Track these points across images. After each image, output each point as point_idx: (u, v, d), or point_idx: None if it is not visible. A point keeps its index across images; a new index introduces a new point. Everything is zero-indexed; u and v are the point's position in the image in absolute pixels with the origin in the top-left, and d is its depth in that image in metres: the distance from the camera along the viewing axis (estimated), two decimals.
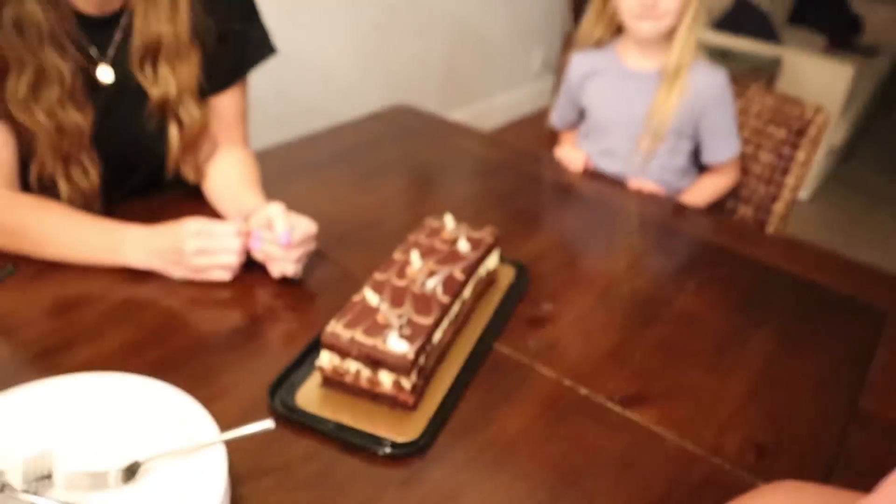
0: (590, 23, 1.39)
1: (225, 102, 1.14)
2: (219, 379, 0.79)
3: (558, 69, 3.78)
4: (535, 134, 3.58)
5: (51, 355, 0.81)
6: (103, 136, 1.02)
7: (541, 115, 3.85)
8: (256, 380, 0.78)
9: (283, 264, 0.93)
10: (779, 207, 1.46)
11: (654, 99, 1.33)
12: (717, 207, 1.52)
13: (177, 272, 0.94)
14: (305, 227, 0.94)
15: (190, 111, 1.06)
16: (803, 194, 3.23)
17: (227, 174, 1.11)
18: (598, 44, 1.41)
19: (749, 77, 2.92)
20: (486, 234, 0.94)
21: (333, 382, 0.76)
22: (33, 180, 1.00)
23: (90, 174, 1.01)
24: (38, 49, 0.92)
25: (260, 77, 1.24)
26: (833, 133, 3.10)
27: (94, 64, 1.01)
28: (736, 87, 1.51)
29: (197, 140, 1.10)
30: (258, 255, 0.95)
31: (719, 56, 3.07)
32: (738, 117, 1.42)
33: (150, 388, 0.71)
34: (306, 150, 1.39)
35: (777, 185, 1.46)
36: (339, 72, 2.66)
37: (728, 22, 3.42)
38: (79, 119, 0.97)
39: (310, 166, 1.32)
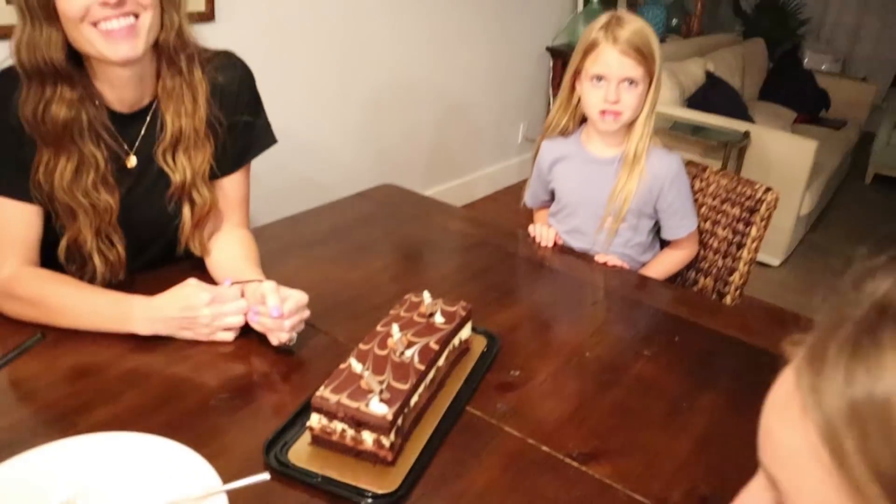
0: (557, 114, 1.54)
1: (230, 185, 1.28)
2: (220, 437, 0.89)
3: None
4: (519, 202, 3.73)
5: (69, 416, 0.91)
6: (127, 215, 1.16)
7: (524, 184, 4.02)
8: (254, 438, 0.88)
9: (279, 333, 1.04)
10: (735, 278, 1.58)
11: (616, 183, 1.46)
12: (679, 278, 1.64)
13: (185, 334, 1.05)
14: (297, 298, 1.05)
15: (202, 193, 1.20)
16: (774, 261, 3.37)
17: (229, 251, 1.24)
18: (565, 132, 1.55)
19: (719, 150, 3.10)
20: (459, 308, 1.06)
21: (322, 440, 0.86)
22: (61, 253, 1.13)
23: (117, 248, 1.16)
24: (80, 142, 1.08)
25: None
26: (801, 203, 3.25)
27: (123, 152, 1.16)
28: (695, 169, 1.65)
29: (206, 218, 1.23)
30: (256, 326, 1.06)
31: (692, 131, 3.26)
32: (693, 197, 1.55)
33: (160, 445, 0.81)
34: (299, 228, 1.51)
35: (733, 257, 1.58)
36: (333, 147, 2.81)
37: (700, 98, 3.61)
38: (110, 199, 1.12)
39: (303, 244, 1.44)
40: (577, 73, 1.48)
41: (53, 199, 1.10)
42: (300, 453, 0.86)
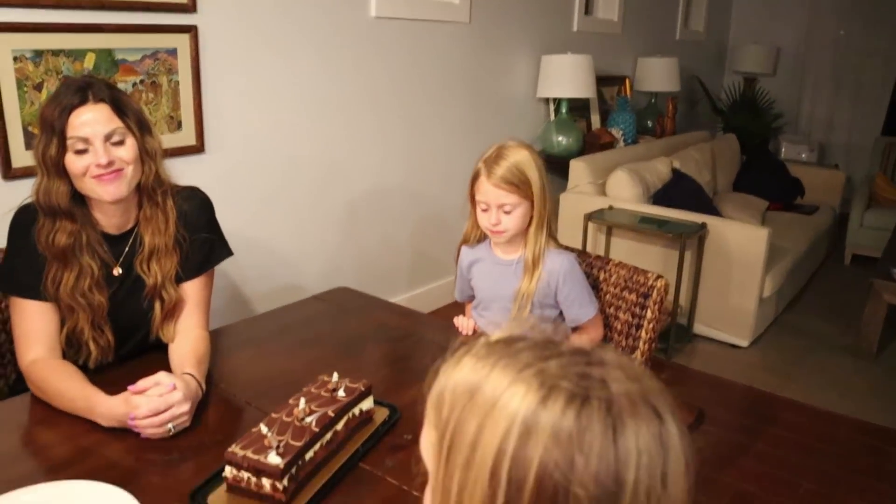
0: (469, 227, 1.84)
1: (192, 290, 1.61)
2: (155, 489, 1.15)
3: None
4: None
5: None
6: (114, 312, 1.52)
7: None
8: (186, 489, 1.13)
9: (154, 430, 1.27)
10: (637, 356, 1.82)
11: (519, 285, 1.73)
12: None
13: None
14: (168, 395, 1.28)
15: (169, 292, 1.55)
16: (742, 342, 3.57)
17: (180, 348, 1.53)
18: (479, 239, 1.84)
19: (679, 241, 3.36)
20: (360, 385, 1.32)
21: (233, 488, 1.12)
22: (62, 340, 1.49)
23: (108, 336, 1.51)
24: (80, 256, 1.46)
25: (246, 261, 1.70)
26: (761, 286, 3.47)
27: (111, 263, 1.53)
28: (599, 262, 1.92)
29: (172, 312, 1.57)
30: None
31: (659, 225, 3.54)
32: (591, 287, 1.81)
33: (101, 490, 1.08)
34: (257, 327, 1.81)
35: (634, 338, 1.83)
36: (314, 255, 3.13)
37: (663, 194, 3.91)
38: (102, 299, 1.49)
39: (256, 340, 1.72)
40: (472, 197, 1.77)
41: (59, 300, 1.46)
42: (218, 499, 1.11)
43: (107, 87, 1.45)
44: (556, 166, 4.22)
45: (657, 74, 5.12)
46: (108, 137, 1.41)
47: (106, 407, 1.31)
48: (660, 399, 0.56)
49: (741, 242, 3.46)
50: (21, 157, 2.16)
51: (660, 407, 0.55)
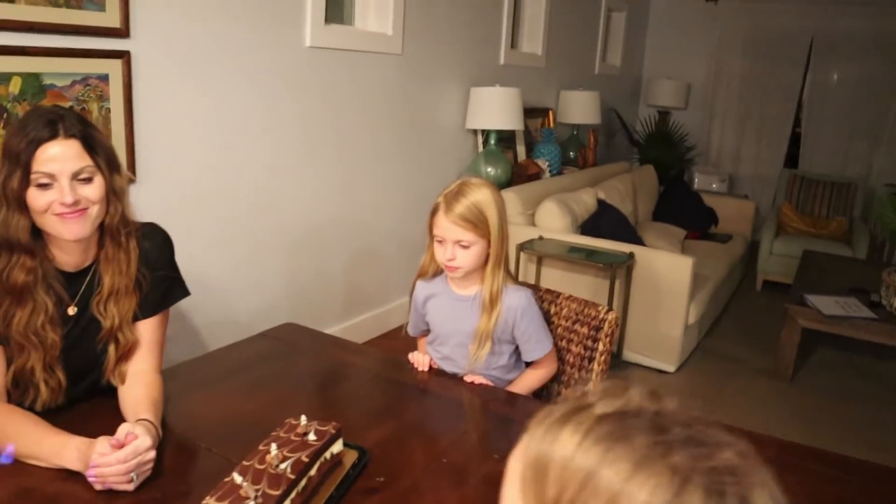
0: (427, 260, 1.83)
1: (146, 329, 1.53)
2: None
3: None
4: None
5: None
6: (66, 353, 1.43)
7: None
8: None
9: (117, 478, 1.19)
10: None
11: (478, 322, 1.73)
12: (545, 392, 1.89)
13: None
14: (136, 444, 1.21)
15: (125, 335, 1.48)
16: (670, 368, 3.68)
17: (133, 391, 1.45)
18: (435, 273, 1.84)
19: (609, 270, 3.45)
20: (330, 427, 1.28)
21: None
22: (8, 381, 1.38)
23: (59, 378, 1.42)
24: (35, 292, 1.37)
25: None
26: (686, 313, 3.59)
27: (66, 302, 1.44)
28: (550, 296, 1.94)
29: (126, 356, 1.49)
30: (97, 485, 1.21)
31: (587, 255, 3.62)
32: (546, 321, 1.83)
33: None
34: (205, 367, 1.74)
35: (587, 370, 1.85)
36: (249, 289, 3.04)
37: (591, 224, 4.01)
38: (55, 338, 1.40)
39: (207, 381, 1.65)
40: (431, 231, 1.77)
41: (8, 338, 1.36)
42: None
43: (79, 122, 1.37)
44: None
45: (579, 107, 5.27)
46: (75, 175, 1.34)
47: (77, 448, 1.23)
48: (772, 483, 0.56)
49: (667, 271, 3.58)
50: None
51: (775, 492, 0.55)
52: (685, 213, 5.23)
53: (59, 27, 2.20)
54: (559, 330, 1.91)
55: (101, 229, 1.44)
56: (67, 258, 1.44)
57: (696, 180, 6.36)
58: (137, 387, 1.46)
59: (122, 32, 2.37)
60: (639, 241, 4.07)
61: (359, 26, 3.54)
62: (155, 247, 1.54)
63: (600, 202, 4.28)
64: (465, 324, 1.76)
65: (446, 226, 1.69)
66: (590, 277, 3.68)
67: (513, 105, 4.14)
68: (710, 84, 6.69)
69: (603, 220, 4.07)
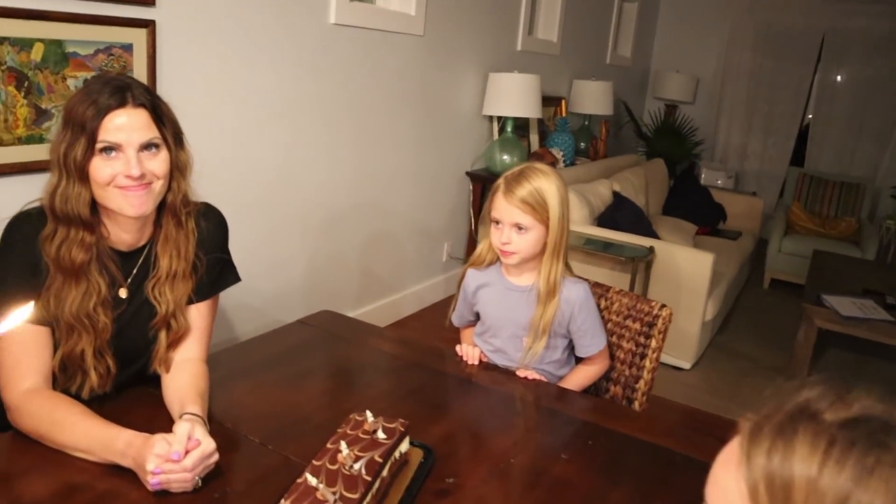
0: (484, 249, 1.74)
1: (197, 315, 1.44)
2: None
3: (465, 260, 4.18)
4: (444, 317, 3.91)
5: None
6: (115, 338, 1.34)
7: (450, 299, 4.20)
8: None
9: (182, 484, 1.10)
10: (641, 385, 1.77)
11: (534, 313, 1.65)
12: (593, 388, 1.82)
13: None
14: (202, 450, 1.12)
15: (179, 320, 1.39)
16: (685, 364, 3.62)
17: (179, 380, 1.35)
18: (489, 262, 1.75)
19: (628, 265, 3.38)
20: (398, 424, 1.20)
21: None
22: (56, 364, 1.28)
23: (109, 363, 1.33)
24: (88, 270, 1.28)
25: None
26: (704, 309, 3.54)
27: (118, 284, 1.35)
28: (600, 290, 1.86)
29: (176, 343, 1.40)
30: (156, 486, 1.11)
31: (604, 247, 3.55)
32: (601, 318, 1.75)
33: None
34: (244, 356, 1.64)
35: (638, 367, 1.78)
36: (264, 274, 2.95)
37: (609, 217, 3.94)
38: (108, 321, 1.31)
39: (247, 370, 1.56)
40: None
41: (58, 319, 1.27)
42: None
43: (148, 93, 1.29)
44: None
45: (592, 97, 5.19)
46: (142, 146, 1.26)
47: (127, 443, 1.13)
48: None
49: (686, 266, 3.52)
50: None
51: None
52: (695, 209, 5.17)
53: None
54: (609, 325, 1.83)
55: (159, 208, 1.36)
56: (121, 236, 1.35)
57: (703, 176, 6.31)
58: (183, 376, 1.36)
59: (149, 1, 2.26)
60: (654, 235, 4.00)
61: (381, 5, 3.43)
62: (211, 228, 1.46)
63: (616, 194, 4.21)
64: (519, 315, 1.68)
65: (504, 207, 1.62)
66: (606, 270, 3.61)
67: (531, 92, 4.05)
68: (719, 79, 6.62)
69: (620, 213, 4.00)
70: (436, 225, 4.03)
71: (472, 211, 4.18)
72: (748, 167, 6.61)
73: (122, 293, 1.36)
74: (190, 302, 1.42)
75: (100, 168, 1.23)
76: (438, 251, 4.12)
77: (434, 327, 3.78)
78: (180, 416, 1.22)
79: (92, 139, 1.22)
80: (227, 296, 2.77)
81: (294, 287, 3.11)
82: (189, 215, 1.39)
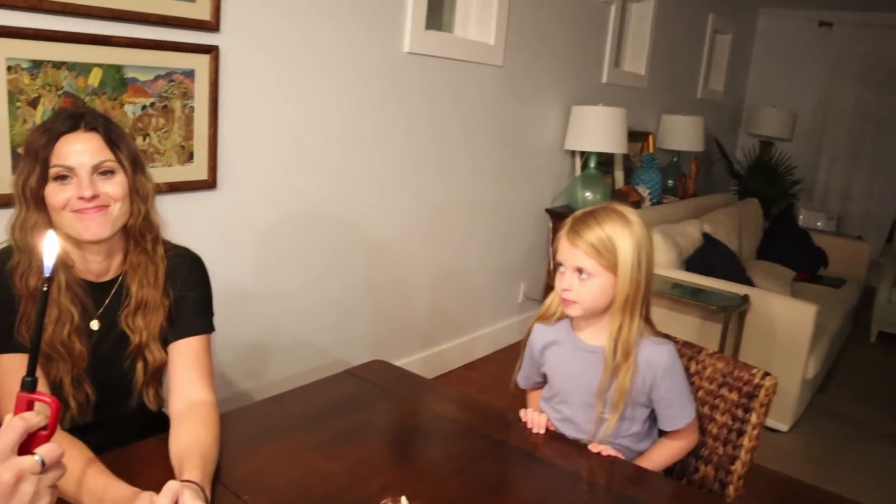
0: (554, 301, 1.53)
1: (191, 350, 1.37)
2: None
3: (542, 301, 3.96)
4: (517, 361, 3.68)
5: None
6: (93, 368, 1.32)
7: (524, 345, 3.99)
8: None
9: None
10: (738, 467, 1.51)
11: (602, 375, 1.43)
12: (678, 466, 1.57)
13: None
14: None
15: (153, 353, 1.36)
16: (783, 426, 3.27)
17: (182, 441, 1.21)
18: (560, 316, 1.54)
19: (719, 314, 3.09)
20: None
21: None
22: None
23: (87, 391, 1.31)
24: (59, 298, 1.27)
25: (249, 315, 1.42)
26: (805, 366, 3.19)
27: (89, 316, 1.33)
28: (689, 351, 1.62)
29: (156, 376, 1.38)
30: None
31: (692, 294, 3.26)
32: (689, 385, 1.50)
33: None
34: (283, 410, 1.47)
35: (734, 445, 1.52)
36: (329, 311, 2.80)
37: (698, 260, 3.64)
38: (83, 349, 1.30)
39: (283, 428, 1.39)
40: None
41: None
42: None
43: (102, 118, 1.31)
44: None
45: (681, 132, 4.91)
46: (95, 169, 1.26)
47: (115, 499, 1.04)
48: None
49: (785, 318, 3.19)
50: (4, 182, 1.83)
51: None
52: (792, 253, 4.78)
53: (145, 17, 2.00)
54: (700, 393, 1.58)
55: (126, 239, 1.36)
56: (89, 266, 1.33)
57: (801, 217, 5.88)
58: (186, 433, 1.23)
59: (212, 26, 2.17)
60: (748, 282, 3.68)
61: (458, 34, 3.29)
62: (184, 265, 1.42)
63: (706, 236, 3.91)
64: (591, 380, 1.45)
65: (567, 249, 1.43)
66: (695, 319, 3.32)
67: (617, 126, 3.82)
68: (819, 114, 6.21)
69: (710, 257, 3.69)
70: (512, 263, 3.82)
71: (550, 250, 3.96)
72: (852, 209, 6.14)
73: (94, 325, 1.34)
74: (167, 339, 1.37)
75: (54, 193, 1.23)
76: (514, 291, 3.91)
77: (507, 372, 3.54)
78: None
79: (45, 165, 1.22)
80: (287, 331, 2.67)
81: (360, 323, 2.96)
82: (155, 241, 1.37)
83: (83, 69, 1.93)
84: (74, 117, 1.26)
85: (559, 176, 4.03)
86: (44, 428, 0.81)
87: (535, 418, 1.48)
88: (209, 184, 2.27)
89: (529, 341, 1.57)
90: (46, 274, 0.82)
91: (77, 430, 1.24)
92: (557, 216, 3.94)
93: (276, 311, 2.58)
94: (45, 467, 0.79)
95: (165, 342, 1.37)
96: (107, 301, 1.36)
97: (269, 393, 2.47)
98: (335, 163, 2.70)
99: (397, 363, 3.03)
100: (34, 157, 1.23)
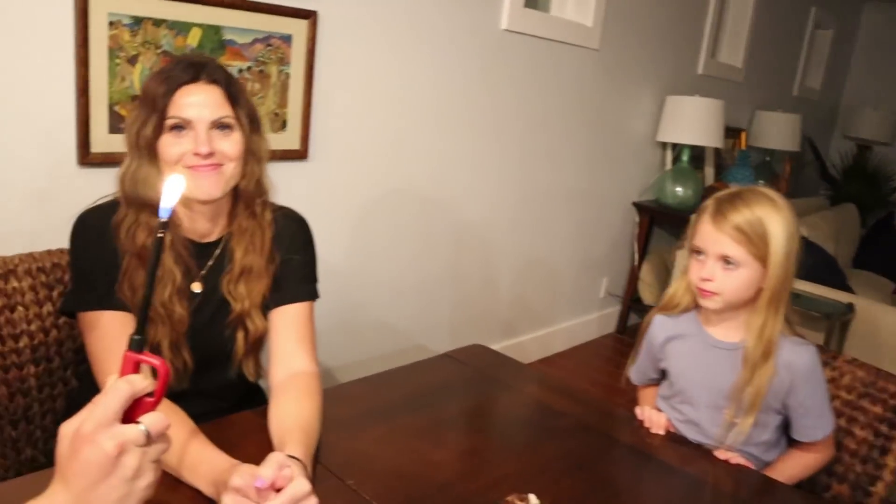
0: (678, 291, 1.39)
1: (296, 317, 1.28)
2: None
3: (624, 298, 3.80)
4: (597, 359, 3.55)
5: None
6: (192, 333, 1.23)
7: (604, 339, 3.84)
8: None
9: None
10: (879, 489, 1.35)
11: (740, 376, 1.29)
12: (809, 482, 1.42)
13: None
14: (294, 490, 0.90)
15: (255, 322, 1.27)
16: None
17: (283, 413, 1.13)
18: (685, 308, 1.40)
19: (820, 322, 2.89)
20: None
21: None
22: None
23: (185, 358, 1.22)
24: (164, 257, 1.18)
25: (332, 291, 1.40)
26: None
27: (191, 278, 1.24)
28: (824, 356, 1.46)
29: (256, 346, 1.29)
30: None
31: (792, 299, 3.06)
32: (828, 393, 1.35)
33: None
34: (382, 391, 1.38)
35: (875, 464, 1.36)
36: (412, 292, 2.71)
37: (800, 264, 3.42)
38: (183, 312, 1.21)
39: (384, 409, 1.29)
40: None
41: (135, 307, 1.15)
42: None
43: (223, 71, 1.22)
44: (668, 219, 3.80)
45: (776, 130, 4.66)
46: (213, 124, 1.17)
47: (212, 467, 0.96)
48: None
49: (892, 333, 2.96)
50: (102, 141, 1.79)
51: None
52: (891, 263, 4.50)
53: None
54: (837, 403, 1.42)
55: (234, 199, 1.27)
56: (193, 225, 1.26)
57: None
58: (288, 403, 1.15)
59: None
60: (849, 290, 3.44)
61: (555, 13, 3.15)
62: (293, 226, 1.34)
63: (805, 240, 3.67)
64: (722, 380, 1.31)
65: (710, 234, 1.28)
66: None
67: (714, 119, 3.63)
68: None
69: (810, 262, 3.46)
70: (595, 256, 3.67)
71: (636, 245, 3.79)
72: None
73: (196, 287, 1.26)
74: (268, 306, 1.28)
75: (169, 145, 1.15)
76: (596, 286, 3.75)
77: (584, 368, 3.42)
78: None
79: (162, 115, 1.15)
80: (369, 311, 2.59)
81: (440, 310, 2.86)
82: (265, 206, 1.29)
83: (182, 28, 1.88)
84: (196, 66, 1.17)
85: (648, 169, 3.86)
86: (150, 394, 0.70)
87: (654, 417, 1.35)
88: (301, 154, 2.20)
89: (649, 334, 1.44)
90: (163, 217, 0.71)
91: (171, 398, 1.14)
92: (645, 210, 3.77)
93: (359, 289, 2.50)
94: (149, 439, 0.69)
95: (266, 308, 1.29)
96: (209, 263, 1.27)
97: (347, 373, 2.42)
98: (426, 141, 2.60)
99: None
100: (151, 106, 1.15)
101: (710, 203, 1.31)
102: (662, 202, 3.73)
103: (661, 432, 1.34)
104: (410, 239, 2.65)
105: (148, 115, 1.15)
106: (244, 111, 1.21)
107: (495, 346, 3.11)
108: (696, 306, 1.38)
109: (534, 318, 3.38)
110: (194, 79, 1.16)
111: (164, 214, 0.71)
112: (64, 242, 1.31)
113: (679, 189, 3.69)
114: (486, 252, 3.00)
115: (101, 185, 1.26)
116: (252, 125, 1.23)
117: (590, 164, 3.44)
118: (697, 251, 1.31)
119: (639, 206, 3.78)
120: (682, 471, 1.26)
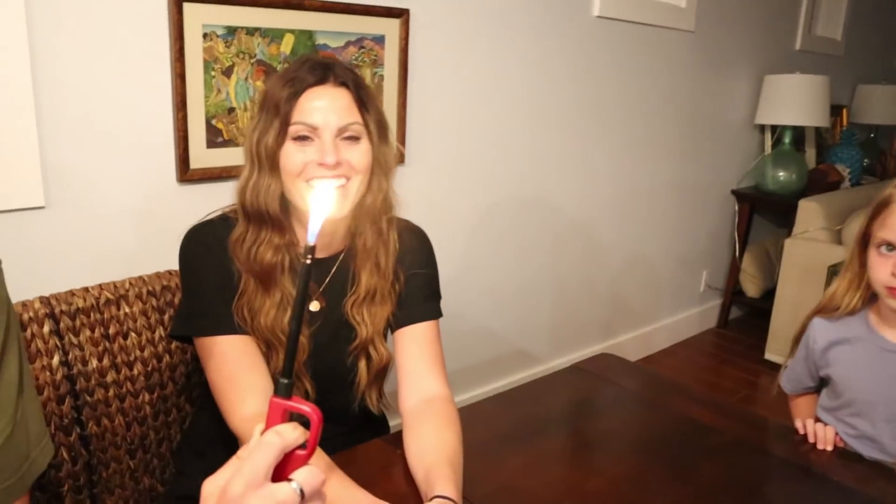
0: (839, 290, 1.25)
1: (424, 337, 1.19)
2: None
3: (725, 292, 3.60)
4: (701, 356, 3.38)
5: None
6: (311, 358, 1.15)
7: (705, 335, 3.66)
8: None
9: None
10: None
11: None
12: None
13: None
14: None
15: (378, 350, 1.19)
16: None
17: (424, 445, 1.04)
18: (851, 311, 1.25)
19: None
20: None
21: None
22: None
23: (307, 388, 1.14)
24: (282, 280, 1.11)
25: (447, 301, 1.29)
26: None
27: (311, 296, 1.16)
28: None
29: (381, 375, 1.21)
30: None
31: None
32: None
33: None
34: (512, 410, 1.28)
35: None
36: (510, 294, 2.62)
37: None
38: (304, 340, 1.13)
39: (520, 433, 1.19)
40: (865, 239, 1.20)
41: (254, 332, 1.10)
42: None
43: (351, 73, 1.12)
44: (769, 206, 3.59)
45: (881, 105, 4.37)
46: (340, 132, 1.07)
47: None
48: None
49: None
50: (200, 156, 1.75)
51: None
52: None
53: None
54: None
55: (355, 214, 1.16)
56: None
57: None
58: (429, 433, 1.05)
59: None
60: None
61: None
62: (416, 242, 1.24)
63: None
64: None
65: None
66: None
67: (818, 97, 3.40)
68: None
69: None
70: (694, 249, 3.50)
71: (736, 235, 3.59)
72: None
73: (314, 306, 1.17)
74: (390, 326, 1.20)
75: (291, 155, 1.06)
76: (696, 280, 3.58)
77: (688, 366, 3.26)
78: (429, 500, 0.91)
79: (285, 121, 1.06)
80: (468, 321, 2.50)
81: (540, 314, 2.76)
82: (390, 223, 1.18)
83: (276, 35, 1.82)
84: (324, 67, 1.08)
85: (746, 154, 3.66)
86: (302, 446, 0.61)
87: (821, 432, 1.21)
88: (398, 159, 2.12)
89: (807, 339, 1.30)
90: (311, 242, 0.62)
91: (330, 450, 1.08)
92: (744, 198, 3.57)
93: (459, 297, 2.42)
94: (303, 499, 0.59)
95: (389, 330, 1.21)
96: (327, 279, 1.18)
97: (456, 382, 2.34)
98: (523, 139, 2.50)
99: (575, 355, 2.83)
100: (274, 111, 1.06)
101: (893, 190, 1.16)
102: (763, 188, 3.53)
103: (829, 448, 1.20)
104: (510, 241, 2.55)
105: (269, 121, 1.07)
106: (373, 118, 1.11)
107: (595, 348, 2.99)
108: (864, 307, 1.23)
109: (633, 316, 3.24)
110: (321, 80, 1.07)
111: (312, 238, 0.62)
112: (165, 263, 1.26)
113: (781, 173, 3.47)
114: (583, 251, 2.88)
115: (201, 202, 1.21)
116: (381, 133, 1.13)
117: (686, 153, 3.27)
118: (887, 245, 1.15)
119: (738, 194, 3.59)
120: (863, 492, 1.11)
